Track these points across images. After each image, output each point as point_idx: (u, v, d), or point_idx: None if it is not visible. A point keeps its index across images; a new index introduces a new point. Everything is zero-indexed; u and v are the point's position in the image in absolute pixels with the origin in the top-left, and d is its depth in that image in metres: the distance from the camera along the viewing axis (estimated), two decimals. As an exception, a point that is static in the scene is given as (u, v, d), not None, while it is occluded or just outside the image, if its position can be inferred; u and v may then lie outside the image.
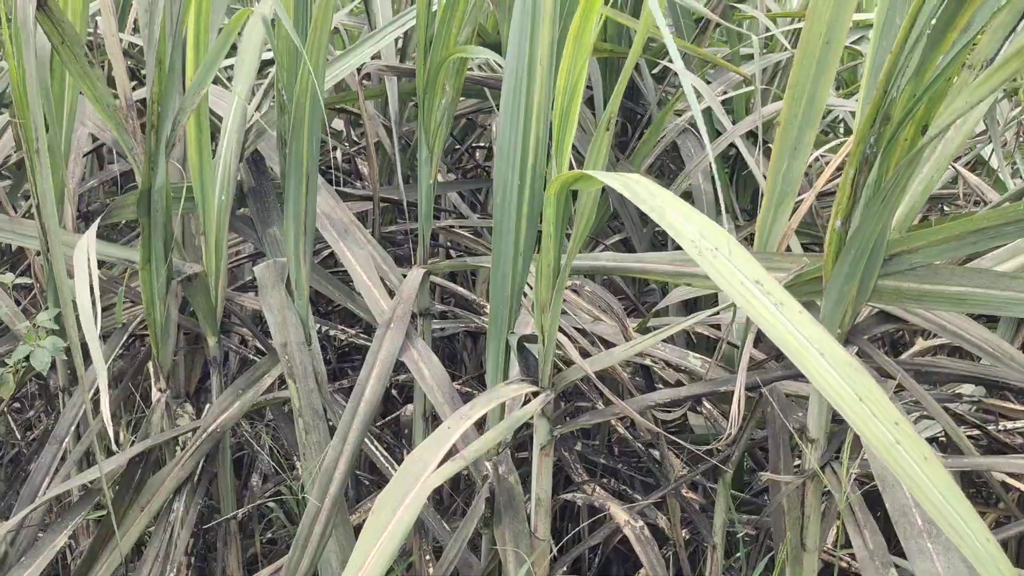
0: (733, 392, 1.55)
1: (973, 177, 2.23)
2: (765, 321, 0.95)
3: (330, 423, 1.67)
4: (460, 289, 1.97)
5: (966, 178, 2.20)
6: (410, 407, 2.11)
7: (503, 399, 1.43)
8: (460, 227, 2.15)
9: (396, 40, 2.31)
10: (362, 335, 1.98)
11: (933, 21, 1.17)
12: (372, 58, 2.00)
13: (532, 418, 1.46)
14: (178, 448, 1.88)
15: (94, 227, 1.48)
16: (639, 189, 1.10)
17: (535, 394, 1.45)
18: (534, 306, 1.61)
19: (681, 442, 1.53)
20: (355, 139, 2.95)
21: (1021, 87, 3.78)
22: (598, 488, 1.73)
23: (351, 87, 2.54)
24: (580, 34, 1.29)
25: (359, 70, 1.99)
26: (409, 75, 2.06)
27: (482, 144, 3.02)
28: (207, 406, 1.86)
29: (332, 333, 1.99)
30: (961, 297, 1.36)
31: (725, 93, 2.45)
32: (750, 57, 2.65)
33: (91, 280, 1.32)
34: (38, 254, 2.12)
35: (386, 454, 1.79)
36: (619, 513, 1.58)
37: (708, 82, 2.52)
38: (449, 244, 2.52)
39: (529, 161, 1.45)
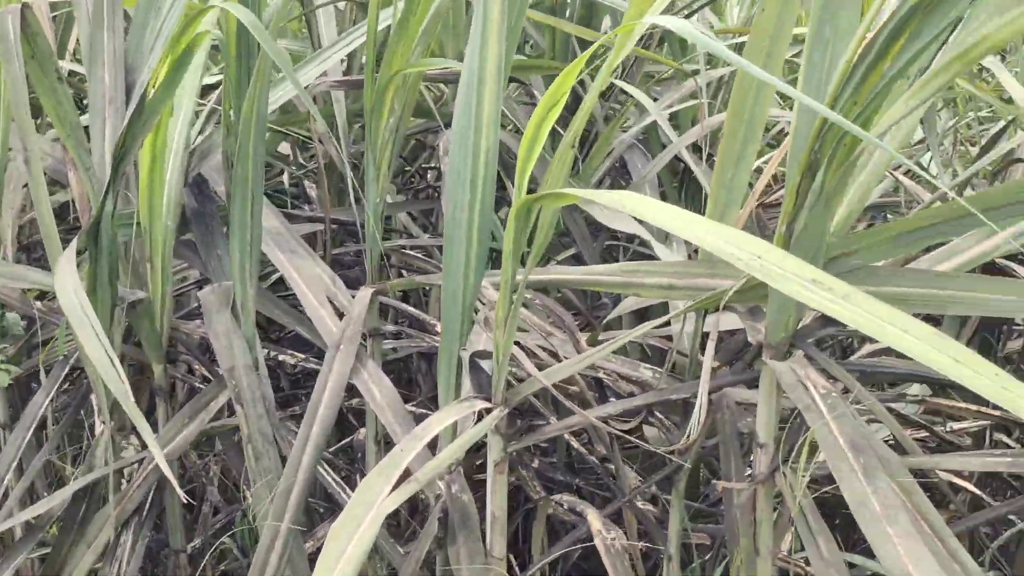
0: (684, 402, 1.56)
1: (911, 183, 2.28)
2: (839, 315, 0.96)
3: (283, 455, 1.64)
4: (411, 309, 1.96)
5: (905, 185, 2.24)
6: (363, 431, 2.08)
7: (455, 417, 1.41)
8: (411, 247, 2.13)
9: (342, 61, 2.31)
10: (313, 359, 1.95)
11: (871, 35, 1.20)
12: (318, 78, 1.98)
13: (486, 436, 1.45)
14: (124, 481, 1.84)
15: (72, 251, 1.45)
16: (635, 204, 1.11)
17: (488, 411, 1.44)
18: (487, 321, 1.61)
19: (640, 443, 1.52)
20: (303, 162, 2.93)
21: (958, 96, 3.89)
22: (559, 503, 1.73)
23: (298, 109, 2.52)
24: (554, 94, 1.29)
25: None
26: (359, 87, 2.04)
27: (433, 165, 3.02)
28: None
29: (282, 359, 1.96)
30: (901, 298, 1.38)
31: (671, 107, 2.48)
32: (694, 73, 2.70)
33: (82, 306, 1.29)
34: (-26, 286, 2.06)
35: (340, 480, 1.76)
36: (595, 521, 1.57)
37: (655, 99, 2.55)
38: (401, 266, 2.51)
39: (480, 175, 1.45)
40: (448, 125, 2.32)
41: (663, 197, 2.54)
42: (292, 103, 2.58)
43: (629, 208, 1.18)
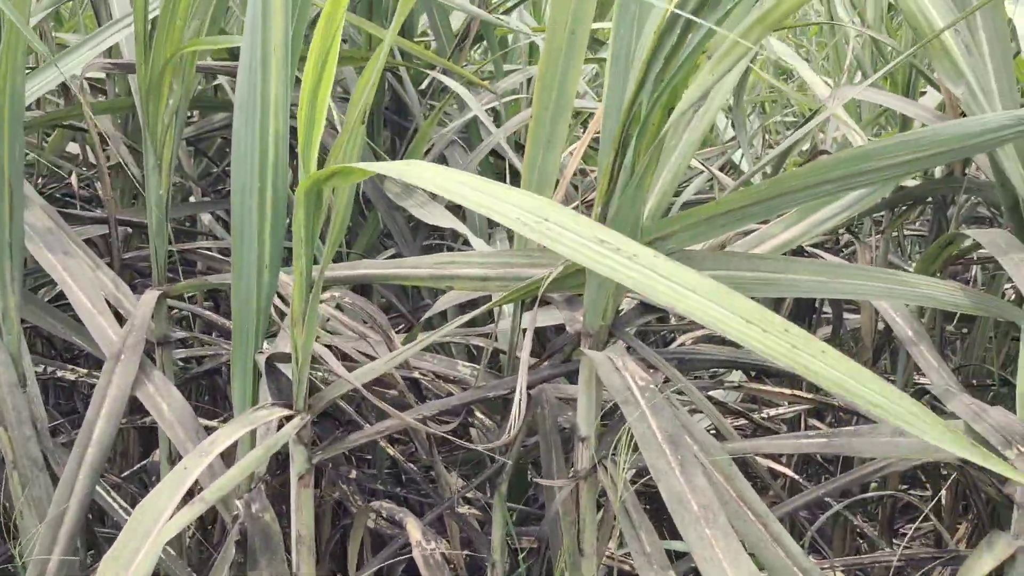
0: (505, 400, 1.48)
1: (725, 177, 2.31)
2: (628, 278, 0.90)
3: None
4: (206, 312, 1.78)
5: (719, 179, 2.27)
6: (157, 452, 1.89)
7: (250, 427, 1.27)
8: (217, 250, 1.95)
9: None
10: (95, 374, 1.75)
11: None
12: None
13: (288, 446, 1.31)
14: None
15: None
16: (422, 172, 1.01)
17: (289, 418, 1.30)
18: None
19: (460, 443, 1.43)
20: (93, 162, 2.68)
21: (766, 100, 4.05)
22: (378, 512, 1.61)
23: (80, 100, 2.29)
24: (330, 19, 1.17)
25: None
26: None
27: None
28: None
29: (60, 374, 1.74)
30: (720, 280, 1.36)
31: (491, 102, 2.42)
32: (511, 73, 2.66)
33: None
34: None
35: (127, 506, 1.57)
36: (415, 531, 1.45)
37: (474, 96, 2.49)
38: (207, 272, 2.32)
39: (269, 159, 1.32)
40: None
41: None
42: (74, 94, 2.35)
43: (416, 177, 1.07)
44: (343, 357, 1.53)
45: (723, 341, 1.71)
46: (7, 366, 1.46)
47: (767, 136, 3.57)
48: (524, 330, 1.48)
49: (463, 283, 1.43)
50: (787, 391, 1.60)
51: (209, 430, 1.47)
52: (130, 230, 2.21)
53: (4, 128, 1.39)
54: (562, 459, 1.37)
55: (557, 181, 1.50)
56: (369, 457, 2.13)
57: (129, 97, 2.16)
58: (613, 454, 1.30)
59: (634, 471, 1.26)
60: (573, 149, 1.88)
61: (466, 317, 1.40)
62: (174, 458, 1.68)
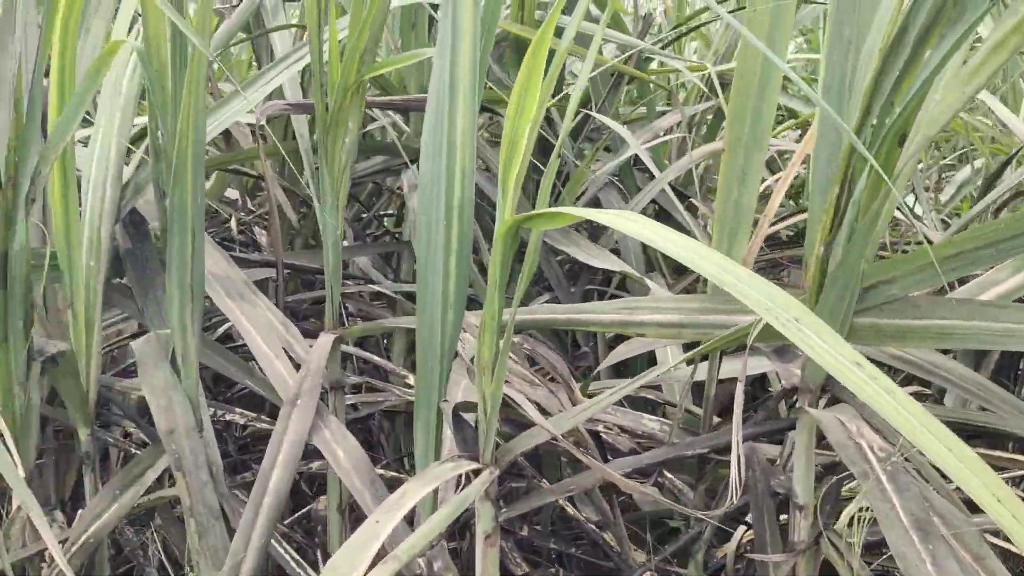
0: (701, 458, 1.36)
1: (907, 218, 2.14)
2: (883, 406, 0.79)
3: (232, 528, 1.40)
4: (376, 357, 1.73)
5: (907, 219, 2.10)
6: (323, 499, 1.84)
7: (439, 481, 1.19)
8: (372, 295, 1.92)
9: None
10: (265, 419, 1.72)
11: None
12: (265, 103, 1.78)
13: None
14: (44, 566, 1.57)
15: None
16: (637, 225, 0.93)
17: (476, 472, 1.22)
18: (467, 369, 1.40)
19: (675, 506, 1.31)
20: (252, 208, 2.72)
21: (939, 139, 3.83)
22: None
23: (242, 145, 2.32)
24: (536, 49, 1.11)
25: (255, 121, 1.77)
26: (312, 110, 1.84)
27: (390, 212, 2.84)
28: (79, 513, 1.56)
29: (231, 419, 1.72)
30: (947, 331, 1.21)
31: (650, 141, 2.33)
32: (663, 114, 2.57)
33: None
34: None
35: (297, 557, 1.52)
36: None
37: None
38: (360, 315, 2.29)
39: (456, 196, 1.26)
40: (414, 161, 2.14)
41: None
42: (236, 140, 2.38)
43: (635, 230, 0.99)
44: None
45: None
46: (185, 409, 1.43)
47: (928, 183, 3.34)
48: (717, 382, 1.37)
49: (653, 330, 1.32)
50: (1019, 457, 1.42)
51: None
52: (286, 273, 2.21)
53: (188, 170, 1.38)
54: (776, 527, 1.23)
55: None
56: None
57: (287, 141, 2.17)
58: (830, 523, 1.17)
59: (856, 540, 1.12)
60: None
61: (658, 370, 1.30)
62: (343, 507, 1.63)
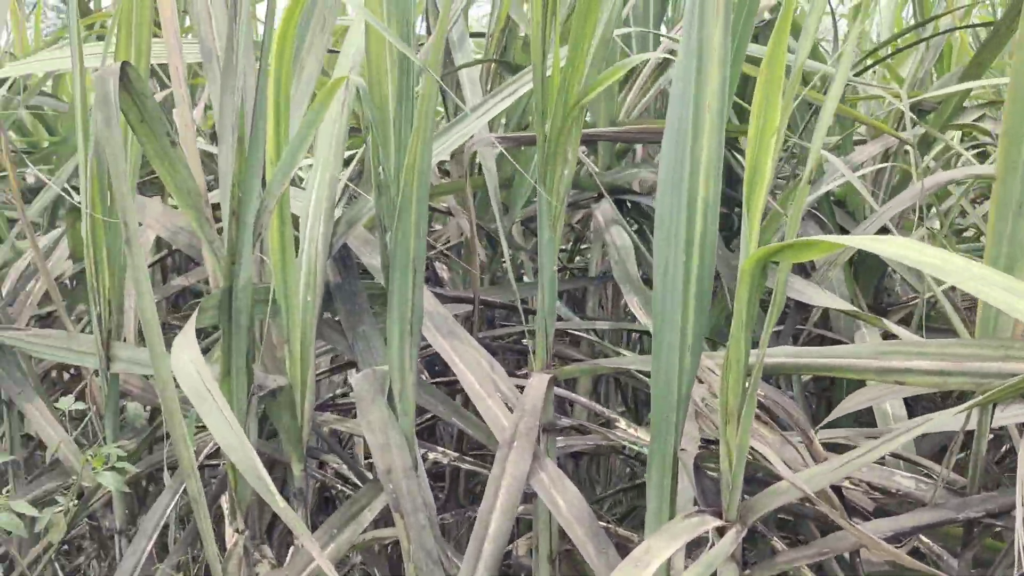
0: (967, 523, 1.22)
1: None
2: None
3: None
4: (585, 400, 1.66)
5: None
6: (520, 543, 1.78)
7: (685, 538, 1.10)
8: (579, 329, 1.85)
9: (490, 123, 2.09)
10: (468, 459, 1.67)
11: None
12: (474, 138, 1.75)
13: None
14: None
15: (192, 327, 1.22)
16: (928, 256, 0.82)
17: (719, 530, 1.12)
18: (697, 414, 1.30)
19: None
20: (431, 242, 2.73)
21: None
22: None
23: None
24: (772, 61, 1.03)
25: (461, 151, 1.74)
26: (530, 142, 1.78)
27: (584, 247, 2.81)
28: (291, 550, 1.55)
29: (433, 456, 1.68)
30: None
31: (860, 168, 2.18)
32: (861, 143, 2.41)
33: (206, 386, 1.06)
34: (96, 374, 1.86)
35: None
36: None
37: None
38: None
39: (696, 229, 1.18)
40: (612, 192, 2.08)
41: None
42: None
43: (934, 264, 0.88)
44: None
45: None
46: (402, 449, 1.40)
47: None
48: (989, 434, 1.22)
49: (916, 378, 1.19)
50: None
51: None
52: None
53: (412, 207, 1.36)
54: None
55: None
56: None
57: (477, 177, 2.15)
58: None
59: None
60: None
61: (922, 424, 1.16)
62: (554, 556, 1.56)
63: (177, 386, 1.27)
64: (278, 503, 1.13)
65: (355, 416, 1.84)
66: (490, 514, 1.32)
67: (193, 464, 1.30)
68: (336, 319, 1.67)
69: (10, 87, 2.46)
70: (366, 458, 1.94)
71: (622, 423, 1.54)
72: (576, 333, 2.05)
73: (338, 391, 2.09)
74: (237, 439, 1.15)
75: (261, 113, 1.36)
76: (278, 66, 1.41)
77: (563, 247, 2.87)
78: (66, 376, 2.50)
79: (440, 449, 1.71)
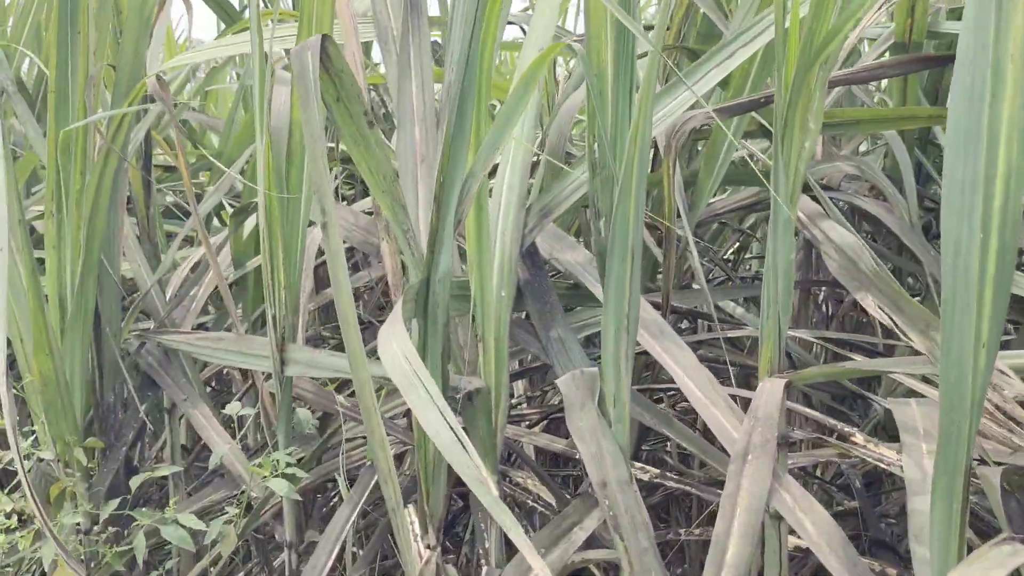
0: None
1: None
2: None
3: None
4: (812, 411, 1.46)
5: None
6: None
7: (1003, 570, 0.90)
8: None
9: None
10: (672, 476, 1.50)
11: None
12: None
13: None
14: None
15: (398, 313, 1.11)
16: None
17: (1038, 563, 0.92)
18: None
19: None
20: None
21: None
22: None
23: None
24: None
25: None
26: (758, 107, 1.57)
27: (757, 254, 2.62)
28: (483, 569, 1.41)
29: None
30: None
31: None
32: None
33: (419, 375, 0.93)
34: (267, 378, 1.78)
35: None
36: None
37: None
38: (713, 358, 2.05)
39: (995, 203, 0.99)
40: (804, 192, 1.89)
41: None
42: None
43: None
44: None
45: None
46: (617, 459, 1.24)
47: None
48: None
49: None
50: None
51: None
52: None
53: (632, 186, 1.20)
54: None
55: None
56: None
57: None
58: None
59: None
60: None
61: None
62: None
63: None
64: (501, 512, 0.99)
65: (532, 426, 1.70)
66: (727, 537, 1.15)
67: (392, 468, 1.18)
68: (526, 318, 1.53)
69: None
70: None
71: (859, 437, 1.35)
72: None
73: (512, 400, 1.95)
74: (452, 434, 1.01)
75: (469, 92, 1.24)
76: (483, 40, 1.29)
77: (730, 256, 2.68)
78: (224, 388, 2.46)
79: (638, 465, 1.54)
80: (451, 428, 0.99)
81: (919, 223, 1.93)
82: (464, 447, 0.98)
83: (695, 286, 2.15)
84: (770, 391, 1.26)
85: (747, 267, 2.80)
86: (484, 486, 0.99)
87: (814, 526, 1.16)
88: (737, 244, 2.77)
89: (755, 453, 1.21)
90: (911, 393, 1.37)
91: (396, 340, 1.10)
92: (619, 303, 1.24)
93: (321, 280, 2.53)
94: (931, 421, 1.33)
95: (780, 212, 1.23)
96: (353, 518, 1.49)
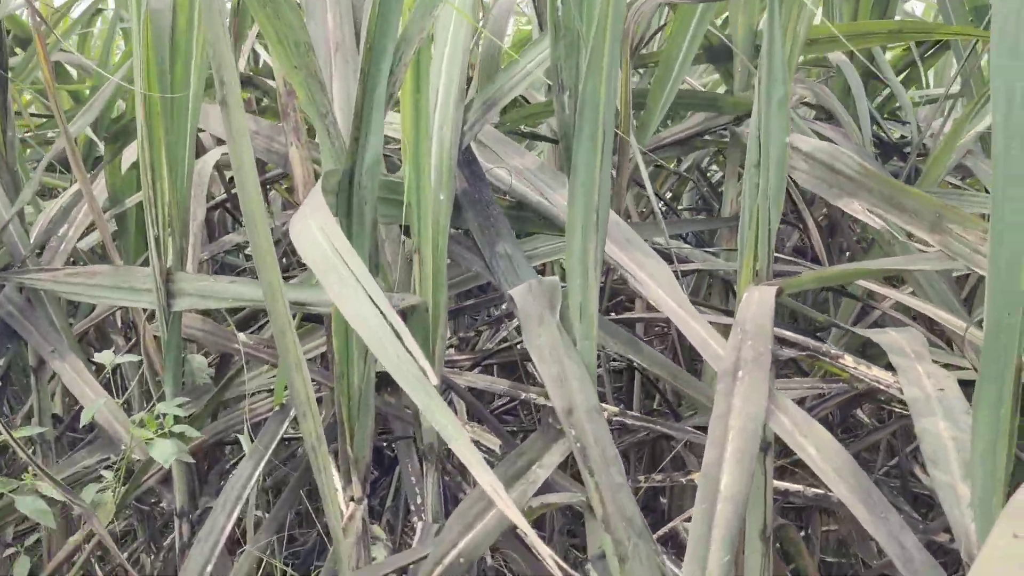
0: None
1: None
2: None
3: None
4: (799, 336, 1.28)
5: None
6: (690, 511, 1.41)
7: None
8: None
9: None
10: (633, 413, 1.30)
11: None
12: None
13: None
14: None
15: (317, 190, 0.87)
16: None
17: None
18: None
19: None
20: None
21: None
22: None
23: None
24: None
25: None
26: None
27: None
28: (419, 526, 1.19)
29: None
30: None
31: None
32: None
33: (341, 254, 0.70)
34: (151, 318, 1.51)
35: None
36: None
37: None
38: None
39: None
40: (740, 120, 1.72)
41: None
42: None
43: None
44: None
45: None
46: (584, 383, 1.04)
47: None
48: None
49: None
50: None
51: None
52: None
53: (604, 51, 0.99)
54: None
55: None
56: None
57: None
58: None
59: None
60: None
61: None
62: (767, 532, 1.19)
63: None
64: (448, 422, 0.76)
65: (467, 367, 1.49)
66: (719, 465, 0.96)
67: (311, 395, 0.94)
68: (465, 235, 1.31)
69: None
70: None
71: (849, 359, 1.18)
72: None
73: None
74: (382, 319, 0.78)
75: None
76: None
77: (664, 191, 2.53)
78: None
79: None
80: (382, 313, 0.76)
81: (872, 150, 1.81)
82: (397, 334, 0.75)
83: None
84: (760, 300, 1.08)
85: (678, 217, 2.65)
86: (425, 386, 0.76)
87: (818, 451, 0.98)
88: (670, 194, 2.62)
89: (747, 369, 1.02)
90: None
91: (314, 216, 0.86)
92: (587, 194, 1.03)
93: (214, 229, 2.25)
94: (919, 343, 1.19)
95: (775, 87, 1.05)
96: (258, 474, 1.24)
